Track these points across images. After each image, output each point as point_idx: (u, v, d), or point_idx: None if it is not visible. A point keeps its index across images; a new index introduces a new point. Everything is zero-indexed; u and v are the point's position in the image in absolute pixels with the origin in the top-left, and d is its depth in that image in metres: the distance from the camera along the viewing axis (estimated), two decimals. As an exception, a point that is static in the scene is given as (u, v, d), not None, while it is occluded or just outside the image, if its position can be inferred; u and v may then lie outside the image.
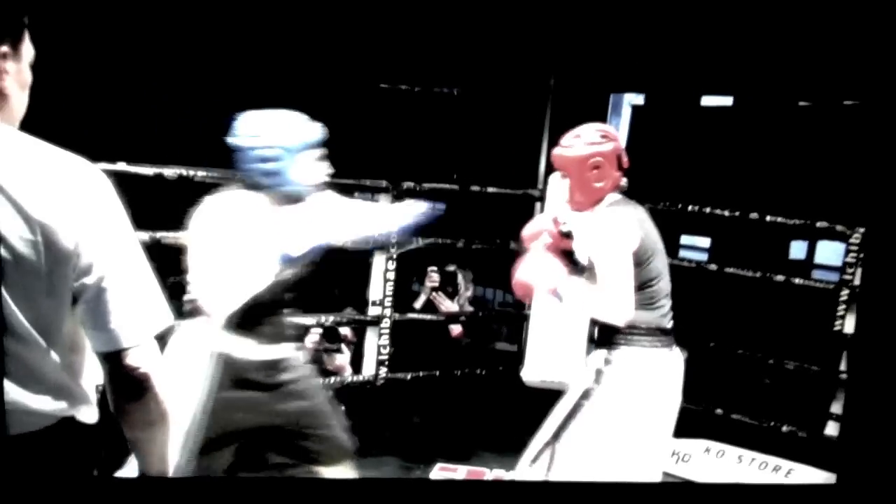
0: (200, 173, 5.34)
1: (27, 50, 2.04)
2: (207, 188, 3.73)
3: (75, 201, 1.95)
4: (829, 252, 7.35)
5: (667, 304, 3.88)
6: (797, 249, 7.54)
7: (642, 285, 3.78)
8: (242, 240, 3.64)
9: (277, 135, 3.72)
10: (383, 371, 6.21)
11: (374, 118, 7.09)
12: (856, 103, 6.27)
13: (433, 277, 7.22)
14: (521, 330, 6.16)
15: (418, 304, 7.28)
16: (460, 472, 5.72)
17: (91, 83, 6.44)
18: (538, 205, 6.63)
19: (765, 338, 6.03)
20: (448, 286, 7.36)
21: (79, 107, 5.84)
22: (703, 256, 7.26)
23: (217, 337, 3.77)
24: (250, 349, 3.82)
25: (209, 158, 4.98)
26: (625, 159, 3.91)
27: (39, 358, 1.96)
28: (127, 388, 2.06)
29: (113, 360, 2.03)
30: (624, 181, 3.92)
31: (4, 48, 1.98)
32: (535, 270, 3.95)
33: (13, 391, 1.93)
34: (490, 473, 5.69)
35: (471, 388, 7.09)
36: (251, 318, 3.76)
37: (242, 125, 3.72)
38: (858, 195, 5.62)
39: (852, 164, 6.17)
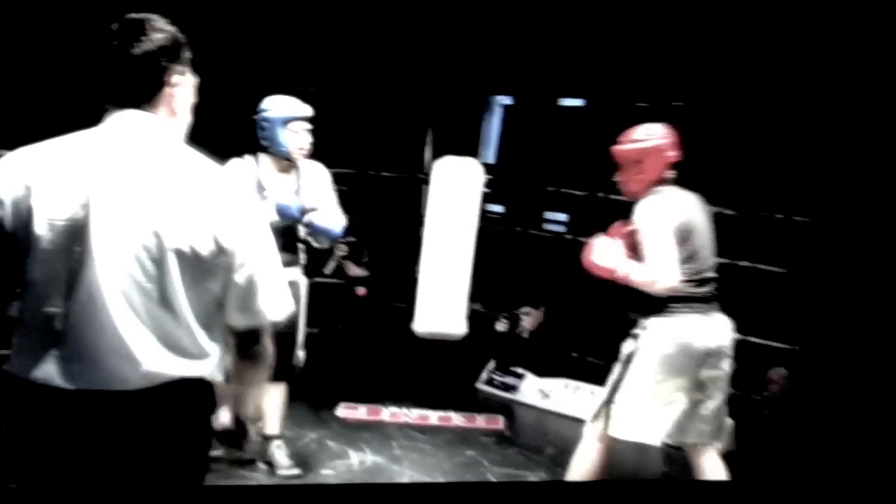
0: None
1: (190, 73, 2.23)
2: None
3: (236, 215, 2.11)
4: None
5: (696, 278, 3.83)
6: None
7: (682, 261, 3.78)
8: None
9: (269, 111, 4.31)
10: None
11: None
12: (682, 104, 6.52)
13: (343, 248, 7.33)
14: (412, 289, 6.25)
15: (328, 270, 7.30)
16: (361, 409, 5.85)
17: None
18: (424, 187, 6.71)
19: (615, 294, 6.31)
20: (354, 254, 7.54)
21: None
22: (563, 228, 7.44)
23: None
24: None
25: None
26: (671, 154, 3.95)
27: (184, 329, 2.09)
28: (251, 356, 2.27)
29: (249, 334, 2.23)
30: (670, 173, 3.95)
31: (176, 76, 2.17)
32: (598, 255, 4.01)
33: (159, 353, 2.05)
34: (386, 410, 5.85)
35: (371, 339, 7.20)
36: None
37: (262, 105, 4.37)
38: (683, 178, 5.96)
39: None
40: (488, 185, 6.37)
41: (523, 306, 7.17)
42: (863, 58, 5.56)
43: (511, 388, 6.59)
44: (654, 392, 3.84)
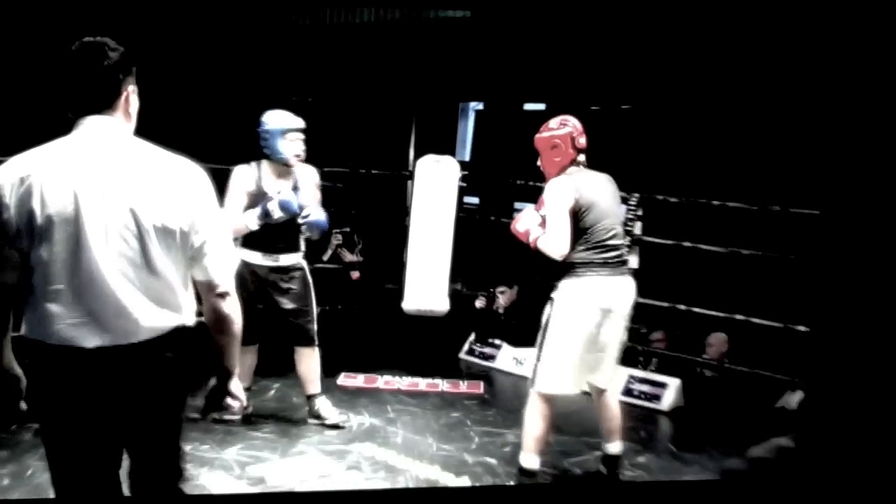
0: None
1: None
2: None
3: (193, 193, 2.40)
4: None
5: (602, 244, 4.05)
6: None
7: (582, 231, 4.04)
8: (256, 191, 4.59)
9: (268, 124, 4.55)
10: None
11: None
12: (629, 107, 6.80)
13: (338, 237, 7.45)
14: (401, 272, 6.40)
15: (326, 257, 7.43)
16: (359, 378, 5.90)
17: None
18: (409, 182, 6.79)
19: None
20: (348, 243, 7.59)
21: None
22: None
23: (242, 251, 4.59)
24: (264, 259, 4.67)
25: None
26: (581, 141, 4.15)
27: (167, 288, 2.39)
28: (217, 304, 2.49)
29: (209, 286, 2.47)
30: (581, 157, 4.16)
31: (131, 86, 2.45)
32: (520, 223, 4.25)
33: (152, 310, 2.36)
34: (381, 379, 5.91)
35: (365, 317, 7.20)
36: (265, 239, 4.57)
37: (263, 119, 4.59)
38: (633, 170, 6.14)
39: (628, 148, 6.69)
40: (464, 179, 6.54)
41: (499, 285, 7.25)
42: (789, 60, 5.82)
43: (490, 357, 6.65)
44: (570, 348, 4.04)
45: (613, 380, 4.37)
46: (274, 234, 4.64)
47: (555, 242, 4.05)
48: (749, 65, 6.16)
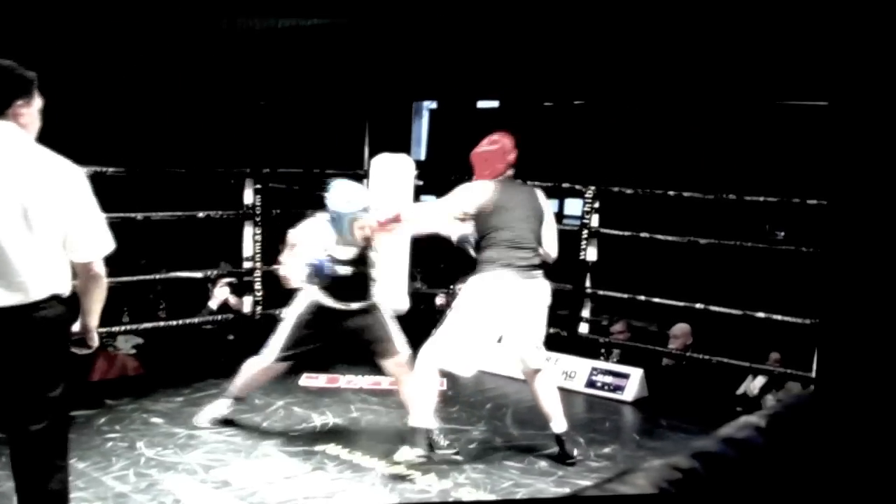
0: (111, 170, 5.65)
1: (37, 100, 2.93)
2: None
3: (69, 184, 2.86)
4: (574, 206, 7.74)
5: (508, 245, 4.36)
6: (551, 205, 8.00)
7: (487, 232, 4.39)
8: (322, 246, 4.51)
9: (339, 206, 4.48)
10: (259, 308, 6.45)
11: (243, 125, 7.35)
12: (582, 103, 6.87)
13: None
14: None
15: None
16: (321, 378, 5.87)
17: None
18: (364, 181, 6.72)
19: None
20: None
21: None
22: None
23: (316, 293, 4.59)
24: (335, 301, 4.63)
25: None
26: (510, 157, 4.52)
27: (53, 260, 2.85)
28: (89, 278, 2.99)
29: (85, 264, 2.96)
30: (510, 171, 4.52)
31: (20, 101, 2.87)
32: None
33: (48, 279, 2.84)
34: (343, 378, 5.88)
35: None
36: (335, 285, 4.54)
37: (330, 194, 4.52)
38: (587, 163, 6.20)
39: (582, 143, 6.80)
40: (420, 177, 6.54)
41: (458, 282, 6.97)
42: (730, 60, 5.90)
43: (451, 355, 6.64)
44: (467, 334, 4.37)
45: (538, 367, 4.58)
46: (342, 283, 4.60)
47: (422, 209, 4.64)
48: (698, 57, 6.25)
